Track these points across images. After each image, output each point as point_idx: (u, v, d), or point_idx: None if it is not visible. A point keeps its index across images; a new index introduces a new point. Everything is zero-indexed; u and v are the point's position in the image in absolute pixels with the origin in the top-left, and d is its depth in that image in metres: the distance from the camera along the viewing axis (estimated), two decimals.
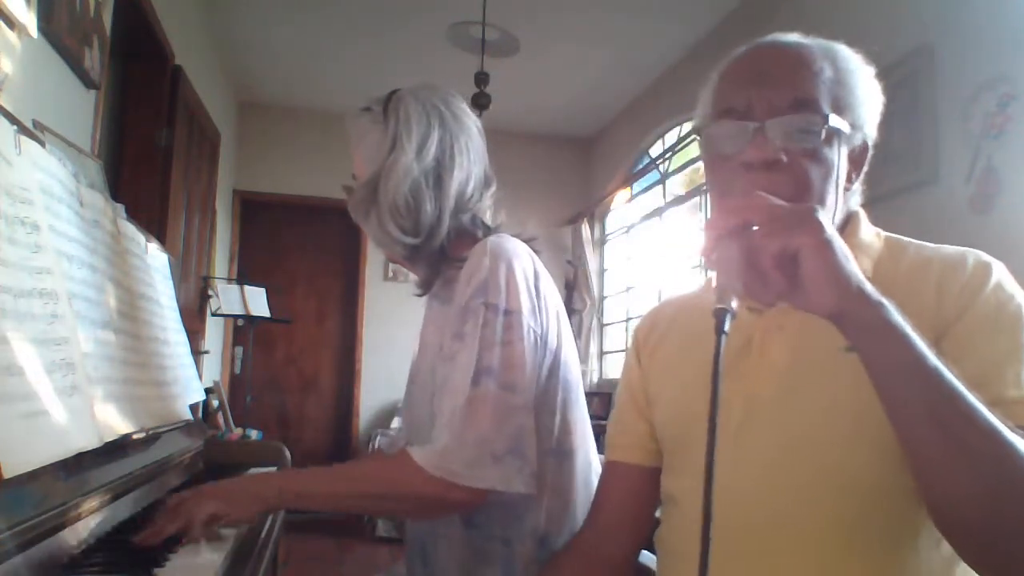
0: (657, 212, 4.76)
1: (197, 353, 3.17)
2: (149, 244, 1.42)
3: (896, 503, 0.71)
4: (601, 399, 4.52)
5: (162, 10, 2.88)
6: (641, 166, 5.01)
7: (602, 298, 5.39)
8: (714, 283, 0.64)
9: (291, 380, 5.28)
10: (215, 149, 4.10)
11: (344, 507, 1.03)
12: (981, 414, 0.59)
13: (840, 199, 0.79)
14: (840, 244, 0.61)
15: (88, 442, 0.84)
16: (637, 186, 5.10)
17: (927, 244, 0.81)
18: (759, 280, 0.63)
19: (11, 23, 1.57)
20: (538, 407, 1.03)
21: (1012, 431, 0.60)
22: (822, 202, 0.76)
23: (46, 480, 0.75)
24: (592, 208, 5.40)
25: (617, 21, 3.88)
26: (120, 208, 1.26)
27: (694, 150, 4.11)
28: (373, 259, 5.34)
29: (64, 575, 0.73)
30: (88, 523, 0.84)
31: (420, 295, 1.21)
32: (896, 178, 2.54)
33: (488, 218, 1.17)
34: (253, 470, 1.53)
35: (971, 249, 0.78)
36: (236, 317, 4.05)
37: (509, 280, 1.02)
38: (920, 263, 0.78)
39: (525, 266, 1.05)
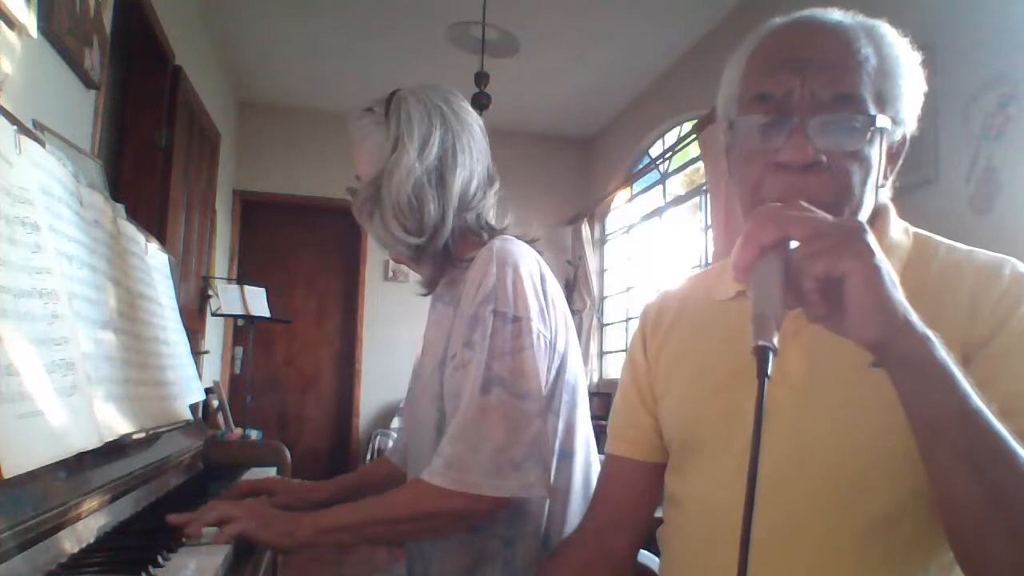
0: (657, 212, 4.76)
1: (197, 353, 3.16)
2: (149, 244, 1.42)
3: (909, 524, 0.69)
4: (601, 399, 4.52)
5: (162, 10, 2.88)
6: (641, 166, 5.01)
7: (602, 298, 5.39)
8: (750, 298, 0.58)
9: (291, 380, 5.28)
10: (215, 149, 4.10)
11: (376, 536, 1.00)
12: (1022, 461, 0.56)
13: (873, 194, 0.74)
14: (888, 269, 0.56)
15: (88, 442, 0.84)
16: (637, 186, 5.10)
17: (957, 245, 0.77)
18: (796, 301, 0.58)
19: (11, 23, 1.57)
20: (546, 411, 1.03)
21: None
22: (859, 205, 0.71)
23: (46, 480, 0.75)
24: (592, 208, 5.40)
25: (617, 21, 3.88)
26: (120, 208, 1.26)
27: (694, 150, 4.11)
28: (373, 259, 5.34)
29: (64, 575, 0.73)
30: (88, 523, 0.84)
31: (424, 295, 1.21)
32: (896, 178, 2.54)
33: (492, 217, 1.16)
34: (253, 470, 1.53)
35: (1008, 257, 0.73)
36: (236, 317, 4.05)
37: (517, 286, 1.01)
38: (952, 268, 0.74)
39: (532, 270, 1.05)
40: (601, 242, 5.55)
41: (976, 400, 0.56)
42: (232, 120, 4.97)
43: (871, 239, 0.56)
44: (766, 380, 0.53)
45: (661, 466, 0.91)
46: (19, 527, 0.68)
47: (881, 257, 0.56)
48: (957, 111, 2.35)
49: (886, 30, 0.75)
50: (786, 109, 0.71)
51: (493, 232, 1.14)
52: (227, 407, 3.35)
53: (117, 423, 0.96)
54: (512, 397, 0.97)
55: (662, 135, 4.76)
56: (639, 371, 0.94)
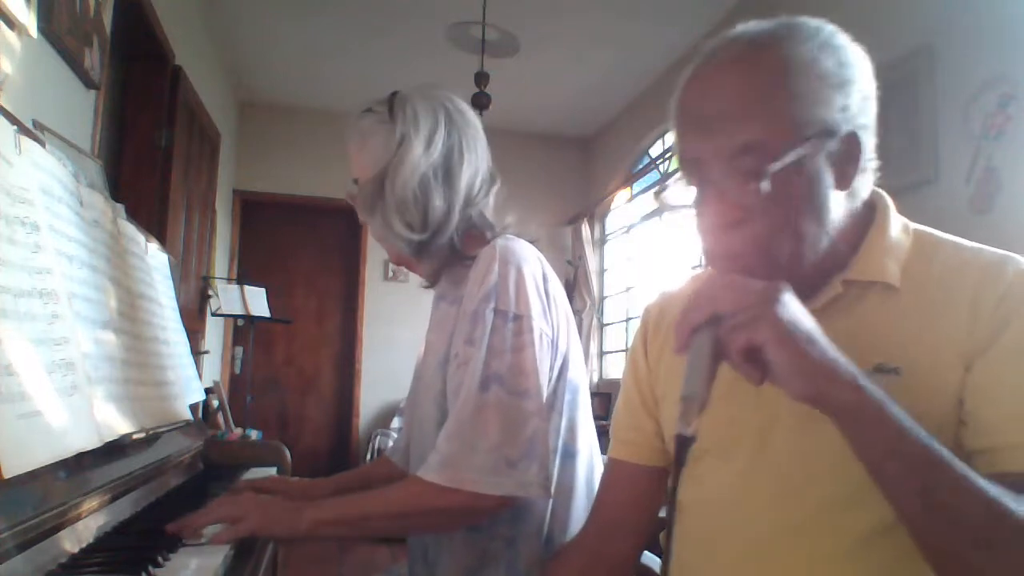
0: (657, 212, 4.76)
1: (197, 353, 3.17)
2: (149, 244, 1.42)
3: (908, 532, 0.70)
4: (601, 399, 4.52)
5: (162, 10, 2.88)
6: (641, 166, 5.01)
7: (602, 298, 5.39)
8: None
9: (291, 380, 5.28)
10: (215, 149, 4.10)
11: (376, 530, 1.01)
12: (981, 493, 0.57)
13: (839, 204, 0.72)
14: (805, 328, 0.60)
15: (88, 442, 0.84)
16: (637, 186, 5.10)
17: (963, 243, 0.75)
18: (738, 369, 0.62)
19: (11, 23, 1.57)
20: (546, 408, 1.03)
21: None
22: (801, 237, 0.69)
23: (46, 480, 0.75)
24: (592, 208, 5.40)
25: (617, 21, 3.88)
26: (120, 208, 1.26)
27: None
28: (373, 259, 5.34)
29: (64, 575, 0.73)
30: (88, 523, 0.84)
31: (428, 287, 1.21)
32: (896, 178, 2.54)
33: (492, 216, 1.17)
34: (253, 470, 1.53)
35: (1012, 255, 0.71)
36: (236, 317, 4.05)
37: (519, 285, 1.02)
38: (954, 267, 0.72)
39: (534, 269, 1.05)
40: (601, 242, 5.55)
41: (920, 438, 0.58)
42: (232, 120, 4.97)
43: (785, 304, 0.60)
44: (682, 469, 0.59)
45: (663, 470, 0.91)
46: (19, 527, 0.68)
47: (796, 319, 0.60)
48: (957, 111, 2.35)
49: (797, 31, 0.70)
50: (700, 173, 0.71)
51: (495, 231, 1.14)
52: (227, 407, 3.35)
53: (117, 423, 0.96)
54: (510, 395, 0.97)
55: (662, 135, 4.76)
56: (640, 374, 0.93)
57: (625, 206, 5.29)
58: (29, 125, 1.42)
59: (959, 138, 2.34)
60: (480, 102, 3.30)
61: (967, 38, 2.36)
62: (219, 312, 3.81)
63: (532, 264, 1.05)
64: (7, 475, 0.66)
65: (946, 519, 0.58)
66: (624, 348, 5.02)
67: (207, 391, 2.81)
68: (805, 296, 0.71)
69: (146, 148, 2.96)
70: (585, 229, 5.30)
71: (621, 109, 5.14)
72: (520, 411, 0.97)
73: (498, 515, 1.04)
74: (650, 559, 1.01)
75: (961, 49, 2.37)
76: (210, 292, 3.88)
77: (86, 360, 0.90)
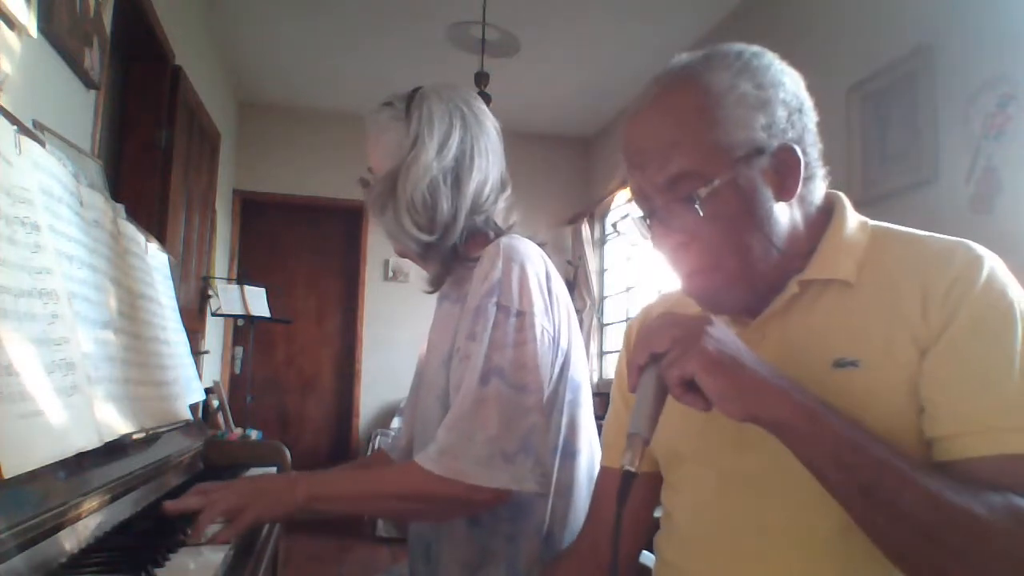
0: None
1: (197, 353, 3.17)
2: (149, 244, 1.42)
3: None
4: (601, 399, 4.50)
5: (162, 10, 2.88)
6: None
7: (602, 298, 5.39)
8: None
9: (291, 380, 5.28)
10: (215, 149, 4.10)
11: (370, 510, 1.02)
12: (918, 484, 0.60)
13: (785, 214, 0.75)
14: (729, 353, 0.64)
15: (88, 442, 0.84)
16: None
17: (918, 234, 0.77)
18: (681, 400, 0.66)
19: (11, 23, 1.57)
20: (547, 406, 1.03)
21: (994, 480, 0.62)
22: (746, 250, 0.73)
23: (46, 480, 0.75)
24: (592, 208, 5.40)
25: (617, 21, 3.88)
26: (120, 208, 1.26)
27: None
28: (373, 259, 5.34)
29: (64, 575, 0.73)
30: (88, 523, 0.84)
31: (430, 292, 1.22)
32: (896, 178, 2.54)
33: (500, 220, 1.17)
34: (253, 470, 1.53)
35: (962, 241, 0.73)
36: (236, 317, 4.05)
37: (522, 281, 1.02)
38: (907, 259, 0.74)
39: (537, 267, 1.06)
40: (601, 242, 5.55)
41: (854, 438, 0.62)
42: (232, 120, 4.97)
43: (709, 334, 0.65)
44: (624, 505, 0.64)
45: (654, 475, 0.92)
46: (19, 527, 0.68)
47: (719, 348, 0.64)
48: (957, 111, 2.35)
49: (714, 60, 0.75)
50: (647, 204, 0.78)
51: (500, 231, 1.14)
52: (227, 407, 3.35)
53: (117, 423, 0.96)
54: (510, 389, 0.97)
55: None
56: (626, 385, 0.95)
57: (625, 206, 5.29)
58: (29, 125, 1.42)
59: (959, 138, 2.34)
60: None
61: (967, 38, 2.36)
62: (219, 312, 3.82)
63: (536, 262, 1.06)
64: (7, 475, 0.66)
65: (890, 515, 0.61)
66: None
67: (207, 391, 2.81)
68: (767, 299, 0.77)
69: (146, 148, 2.96)
70: (585, 229, 5.30)
71: (621, 109, 5.14)
72: (519, 405, 0.98)
73: (498, 511, 1.04)
74: (649, 559, 1.01)
75: (961, 49, 2.37)
76: (210, 292, 3.88)
77: (86, 360, 0.90)
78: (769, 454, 0.74)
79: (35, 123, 1.70)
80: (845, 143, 2.77)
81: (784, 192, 0.75)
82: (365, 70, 4.56)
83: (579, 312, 5.17)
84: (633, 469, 0.64)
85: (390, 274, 5.33)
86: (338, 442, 5.29)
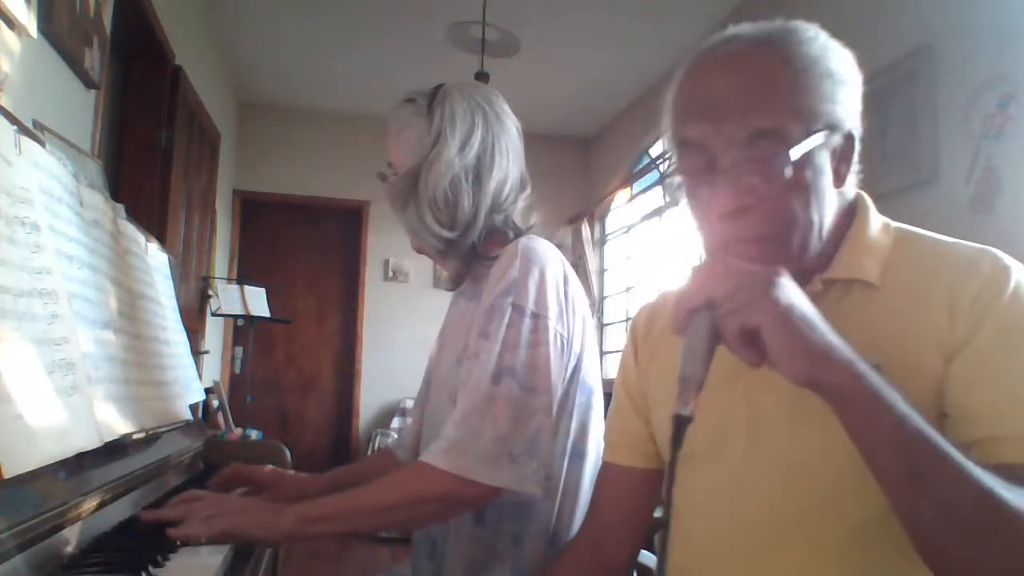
0: (657, 212, 4.76)
1: (197, 353, 3.17)
2: (149, 244, 1.42)
3: (897, 528, 0.67)
4: (604, 399, 4.51)
5: (162, 10, 2.88)
6: (641, 166, 5.01)
7: (602, 298, 5.39)
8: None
9: (291, 380, 5.28)
10: (215, 149, 4.10)
11: (365, 525, 0.97)
12: (973, 479, 0.57)
13: (831, 204, 0.73)
14: (802, 312, 0.60)
15: (88, 442, 0.84)
16: (637, 186, 5.10)
17: (942, 239, 0.76)
18: (735, 352, 0.62)
19: (11, 23, 1.57)
20: (557, 409, 1.03)
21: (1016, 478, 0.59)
22: (808, 226, 0.71)
23: (46, 480, 0.75)
24: (592, 208, 5.40)
25: (617, 21, 3.88)
26: (120, 208, 1.26)
27: None
28: (373, 259, 5.34)
29: (64, 575, 0.73)
30: (88, 523, 0.84)
31: (451, 290, 1.21)
32: (896, 178, 2.54)
33: (520, 220, 1.17)
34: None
35: (988, 249, 0.72)
36: (236, 317, 4.05)
37: (539, 283, 1.02)
38: (931, 266, 0.73)
39: (555, 270, 1.05)
40: (601, 242, 5.55)
41: (914, 423, 0.58)
42: (232, 120, 4.97)
43: (782, 287, 0.60)
44: (679, 449, 0.59)
45: (657, 471, 0.91)
46: (19, 527, 0.68)
47: (793, 302, 0.60)
48: (957, 111, 2.35)
49: (798, 32, 0.72)
50: (706, 159, 0.71)
51: (519, 231, 1.14)
52: (227, 407, 3.35)
53: (117, 423, 0.96)
54: (521, 390, 0.97)
55: (662, 135, 4.74)
56: (631, 379, 0.94)
57: (625, 206, 5.29)
58: (29, 125, 1.42)
59: (959, 138, 2.34)
60: None
61: (967, 38, 2.36)
62: (219, 312, 3.81)
63: (554, 265, 1.05)
64: (7, 475, 0.66)
65: (937, 506, 0.58)
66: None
67: (207, 391, 2.81)
68: None
69: (146, 148, 2.96)
70: (585, 229, 5.30)
71: (621, 109, 5.14)
72: (528, 407, 0.97)
73: (504, 512, 1.04)
74: (648, 558, 1.01)
75: (961, 49, 2.37)
76: (210, 292, 3.88)
77: (86, 360, 0.90)
78: (782, 454, 0.74)
79: (35, 123, 1.70)
80: None
81: (838, 179, 0.73)
82: (365, 70, 4.56)
83: None
84: (688, 413, 0.60)
85: (390, 274, 5.33)
86: (338, 442, 5.29)
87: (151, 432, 1.09)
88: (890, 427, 0.58)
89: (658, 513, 0.94)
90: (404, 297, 5.26)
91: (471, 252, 1.13)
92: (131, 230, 1.30)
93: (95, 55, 2.09)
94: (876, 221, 0.78)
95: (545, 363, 1.00)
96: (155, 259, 1.45)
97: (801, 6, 3.13)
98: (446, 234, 1.10)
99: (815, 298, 0.73)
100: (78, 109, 2.12)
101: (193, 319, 3.54)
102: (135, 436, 1.00)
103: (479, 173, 1.10)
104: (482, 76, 3.45)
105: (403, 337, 5.13)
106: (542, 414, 0.98)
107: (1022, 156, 2.14)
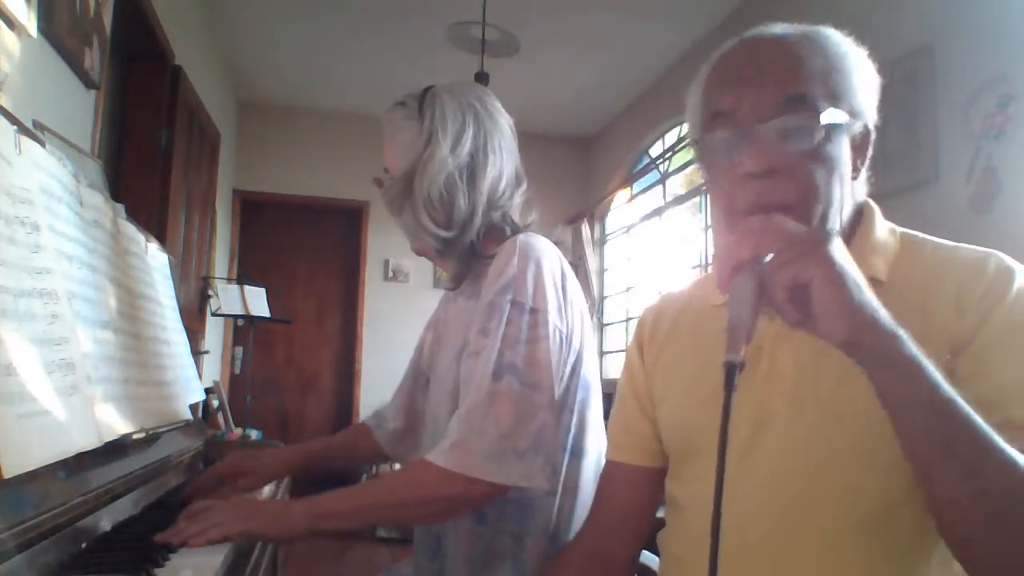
0: (657, 212, 4.76)
1: (197, 353, 3.17)
2: (149, 244, 1.42)
3: (908, 517, 0.70)
4: (604, 398, 4.51)
5: (162, 10, 2.88)
6: (641, 166, 5.01)
7: (602, 298, 5.39)
8: (726, 308, 0.63)
9: (291, 380, 5.28)
10: (215, 149, 4.10)
11: (374, 520, 1.00)
12: (998, 449, 0.58)
13: (848, 192, 0.76)
14: (853, 273, 0.60)
15: (88, 442, 0.84)
16: (637, 186, 5.10)
17: (944, 243, 0.78)
18: (772, 309, 0.62)
19: (11, 23, 1.57)
20: (558, 405, 1.03)
21: None
22: (829, 201, 0.73)
23: (46, 480, 0.75)
24: (592, 208, 5.40)
25: (617, 21, 3.88)
26: (120, 208, 1.26)
27: None
28: (373, 259, 5.34)
29: (64, 575, 0.73)
30: (88, 523, 0.84)
31: (451, 289, 1.21)
32: (896, 178, 2.54)
33: (517, 216, 1.17)
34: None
35: (993, 252, 0.74)
36: (236, 317, 4.05)
37: (537, 279, 1.02)
38: (938, 266, 0.75)
39: (553, 265, 1.06)
40: (601, 242, 5.55)
41: (947, 391, 0.59)
42: (232, 120, 4.97)
43: (836, 246, 0.60)
44: (732, 393, 0.58)
45: (661, 471, 0.91)
46: (19, 527, 0.68)
47: (845, 262, 0.60)
48: (957, 111, 2.35)
49: (829, 32, 0.78)
50: (741, 121, 0.74)
51: (517, 229, 1.15)
52: (227, 407, 3.35)
53: (117, 423, 0.96)
54: (523, 386, 0.97)
55: (662, 135, 4.76)
56: (637, 378, 0.94)
57: (625, 206, 5.29)
58: (29, 125, 1.42)
59: (959, 138, 2.34)
60: None
61: (967, 38, 2.36)
62: (219, 312, 3.81)
63: (551, 260, 1.06)
64: (7, 475, 0.66)
65: (964, 471, 0.58)
66: (624, 348, 5.02)
67: (207, 391, 2.81)
68: None
69: (146, 148, 2.96)
70: (585, 229, 5.30)
71: (621, 109, 5.14)
72: (531, 403, 0.97)
73: (505, 510, 1.04)
74: (649, 559, 1.01)
75: (961, 49, 2.37)
76: (210, 292, 3.88)
77: (86, 360, 0.90)
78: (782, 450, 0.75)
79: (35, 123, 1.70)
80: None
81: (855, 170, 0.77)
82: (365, 70, 4.56)
83: None
84: (739, 359, 0.60)
85: (390, 274, 5.33)
86: None
87: (151, 432, 1.09)
88: (926, 392, 0.59)
89: (660, 513, 0.94)
90: (404, 297, 5.26)
91: (470, 250, 1.13)
92: (131, 230, 1.30)
93: (95, 55, 2.09)
94: (882, 225, 0.80)
95: (546, 358, 1.00)
96: (155, 259, 1.45)
97: (802, 7, 3.14)
98: (443, 234, 1.10)
99: None
100: (78, 109, 2.12)
101: (193, 319, 3.54)
102: (135, 436, 1.00)
103: (473, 171, 1.10)
104: (482, 76, 3.45)
105: (403, 337, 5.12)
106: (546, 410, 0.99)
107: (1022, 156, 2.14)
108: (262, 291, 4.05)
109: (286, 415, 5.25)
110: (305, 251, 5.38)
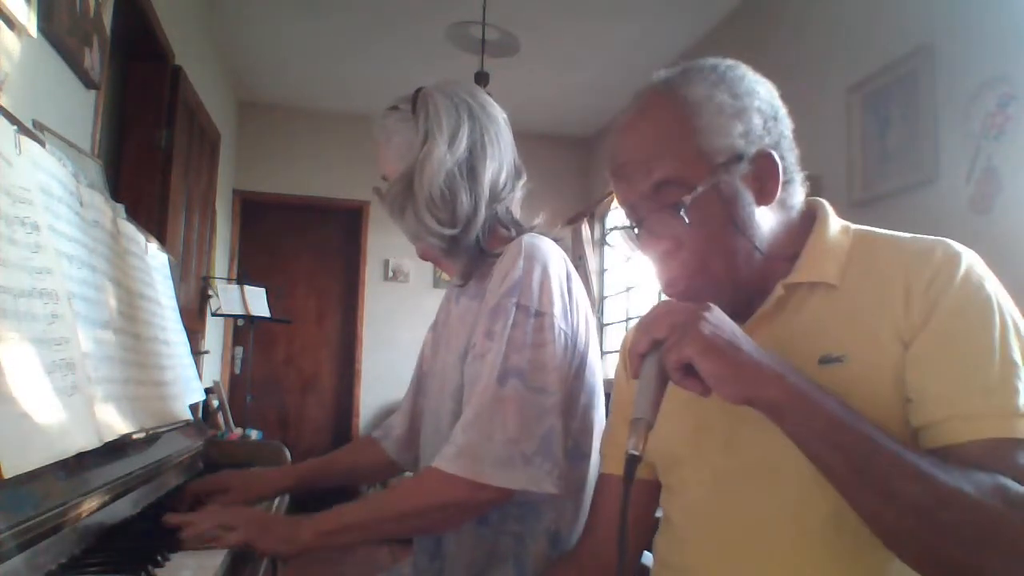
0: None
1: (197, 353, 3.17)
2: (149, 244, 1.42)
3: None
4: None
5: (162, 10, 2.88)
6: None
7: (602, 298, 5.39)
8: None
9: (291, 380, 5.28)
10: (215, 149, 4.10)
11: (383, 533, 0.99)
12: (908, 461, 0.62)
13: (767, 218, 0.78)
14: (725, 337, 0.66)
15: (88, 442, 0.84)
16: None
17: (898, 236, 0.79)
18: (681, 385, 0.68)
19: (11, 23, 1.57)
20: (563, 408, 1.03)
21: (981, 464, 0.63)
22: (731, 251, 0.77)
23: (46, 480, 0.75)
24: (592, 208, 5.40)
25: (617, 21, 3.88)
26: (120, 208, 1.26)
27: None
28: (373, 259, 5.34)
29: (64, 575, 0.73)
30: (88, 523, 0.84)
31: (460, 286, 1.21)
32: (896, 178, 2.54)
33: (517, 210, 1.18)
34: (254, 470, 1.53)
35: (942, 240, 0.75)
36: (236, 317, 4.05)
37: (543, 282, 1.02)
38: (890, 259, 0.76)
39: (559, 268, 1.05)
40: (601, 242, 5.55)
41: (848, 421, 0.63)
42: (232, 120, 4.97)
43: (706, 319, 0.66)
44: (631, 485, 0.64)
45: (651, 482, 0.93)
46: (19, 527, 0.68)
47: (716, 330, 0.66)
48: (957, 111, 2.35)
49: (693, 71, 0.80)
50: (634, 214, 0.80)
51: (521, 229, 1.14)
52: (227, 407, 3.35)
53: (117, 423, 0.96)
54: (529, 390, 0.97)
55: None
56: (624, 394, 0.96)
57: (616, 213, 5.28)
58: (29, 125, 1.42)
59: (959, 138, 2.34)
60: None
61: (967, 38, 2.36)
62: (219, 312, 3.81)
63: (557, 263, 1.06)
64: (7, 475, 0.66)
65: (882, 495, 0.62)
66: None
67: (207, 391, 2.81)
68: (753, 302, 0.79)
69: (146, 148, 2.96)
70: (585, 229, 5.30)
71: (621, 109, 5.12)
72: (537, 406, 0.97)
73: (507, 512, 1.04)
74: (649, 559, 1.01)
75: (961, 49, 2.37)
76: (210, 292, 3.88)
77: (86, 360, 0.90)
78: (759, 452, 0.77)
79: (35, 123, 1.70)
80: (845, 143, 2.77)
81: (764, 196, 0.78)
82: (365, 70, 4.56)
83: None
84: (638, 453, 0.65)
85: (390, 274, 5.33)
86: (338, 442, 5.29)
87: (151, 432, 1.09)
88: (825, 429, 0.63)
89: (659, 514, 0.95)
90: (404, 297, 5.26)
91: (476, 247, 1.13)
92: (131, 230, 1.30)
93: (95, 55, 2.09)
94: (835, 225, 0.82)
95: (552, 362, 0.99)
96: (155, 259, 1.45)
97: (799, 9, 3.14)
98: (448, 232, 1.10)
99: (779, 302, 0.79)
100: (78, 109, 2.12)
101: (193, 319, 3.54)
102: (135, 436, 1.00)
103: (473, 166, 1.10)
104: (482, 76, 3.45)
105: (403, 337, 5.13)
106: (552, 414, 0.98)
107: (1022, 156, 2.14)
108: (262, 291, 4.05)
109: (286, 415, 5.25)
110: (305, 251, 5.38)
